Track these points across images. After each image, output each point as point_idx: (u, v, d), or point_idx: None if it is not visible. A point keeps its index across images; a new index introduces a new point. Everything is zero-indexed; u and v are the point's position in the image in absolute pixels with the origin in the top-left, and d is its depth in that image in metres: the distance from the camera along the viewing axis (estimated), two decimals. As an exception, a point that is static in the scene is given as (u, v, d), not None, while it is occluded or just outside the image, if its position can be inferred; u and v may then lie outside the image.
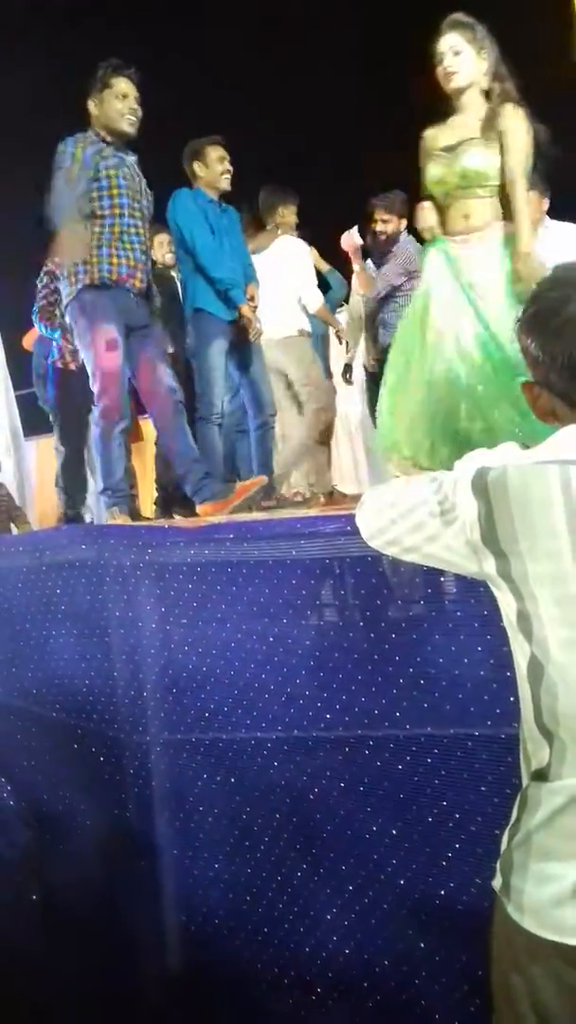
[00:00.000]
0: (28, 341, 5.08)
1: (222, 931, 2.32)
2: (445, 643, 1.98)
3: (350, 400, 6.51)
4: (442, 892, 2.00)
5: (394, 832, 2.06)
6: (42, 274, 4.58)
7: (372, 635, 2.12)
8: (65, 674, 2.59)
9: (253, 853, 2.28)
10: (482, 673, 1.92)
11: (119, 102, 3.54)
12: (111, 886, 2.54)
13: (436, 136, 3.11)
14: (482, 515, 1.27)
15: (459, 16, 3.07)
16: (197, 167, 4.04)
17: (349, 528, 2.09)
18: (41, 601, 2.70)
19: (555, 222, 4.25)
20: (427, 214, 3.14)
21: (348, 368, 5.73)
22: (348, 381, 5.76)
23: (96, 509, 4.42)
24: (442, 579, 2.03)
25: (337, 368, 5.90)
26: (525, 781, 1.33)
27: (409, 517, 1.38)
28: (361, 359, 5.41)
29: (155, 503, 4.43)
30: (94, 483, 4.32)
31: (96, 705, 2.54)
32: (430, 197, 3.13)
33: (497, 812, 1.80)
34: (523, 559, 1.25)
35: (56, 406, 4.52)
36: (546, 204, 4.17)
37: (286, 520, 2.59)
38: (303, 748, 2.17)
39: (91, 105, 3.58)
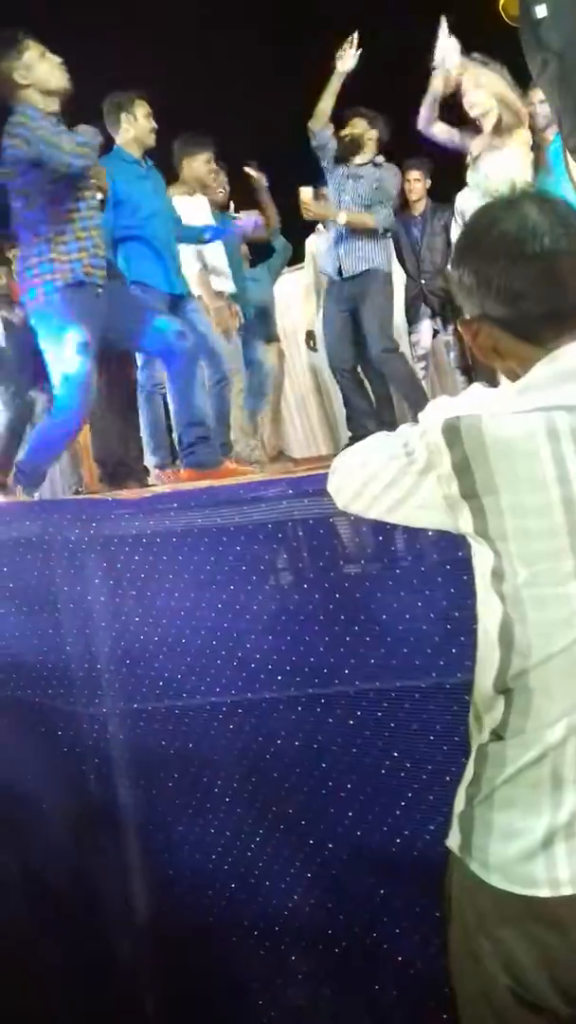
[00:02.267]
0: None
1: (189, 891, 2.36)
2: (388, 600, 2.01)
3: (298, 365, 6.46)
4: (398, 840, 2.05)
5: (349, 786, 2.11)
6: None
7: (317, 596, 2.15)
8: (17, 651, 2.59)
9: (214, 815, 2.32)
10: (425, 627, 1.95)
11: (47, 61, 3.20)
12: (78, 855, 2.57)
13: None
14: (457, 466, 1.19)
15: (476, 56, 3.90)
16: (125, 121, 3.90)
17: (291, 491, 2.13)
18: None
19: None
20: None
21: (311, 335, 5.44)
22: (313, 348, 5.49)
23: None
24: (381, 537, 2.06)
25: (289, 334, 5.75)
26: (483, 739, 1.29)
27: (381, 476, 1.28)
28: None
29: (99, 479, 4.40)
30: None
31: (51, 680, 2.54)
32: None
33: (446, 760, 1.86)
34: (503, 515, 1.18)
35: None
36: None
37: (228, 487, 2.60)
38: (256, 710, 2.20)
39: (16, 74, 3.14)
